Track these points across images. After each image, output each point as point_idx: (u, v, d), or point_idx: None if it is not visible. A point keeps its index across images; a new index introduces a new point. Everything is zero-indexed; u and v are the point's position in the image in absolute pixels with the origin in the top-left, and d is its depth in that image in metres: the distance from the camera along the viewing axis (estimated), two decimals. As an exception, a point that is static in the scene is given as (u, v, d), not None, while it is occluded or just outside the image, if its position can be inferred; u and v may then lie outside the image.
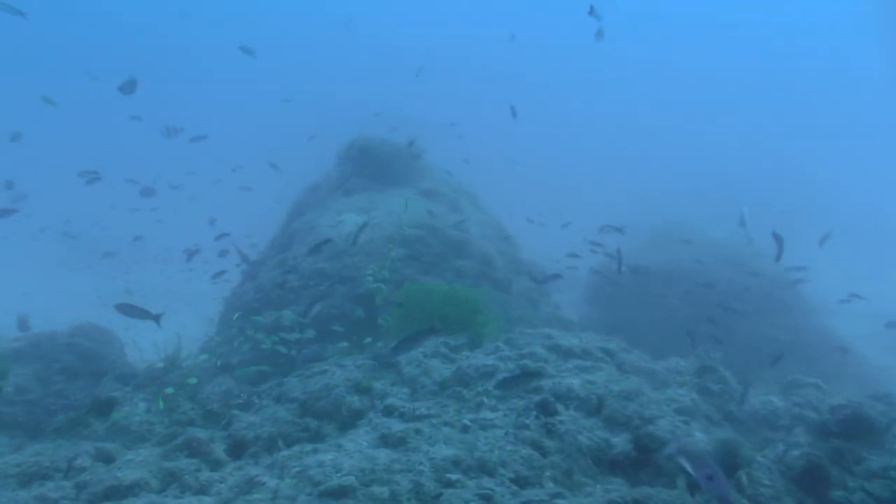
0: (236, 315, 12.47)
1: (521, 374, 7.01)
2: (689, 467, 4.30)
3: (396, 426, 6.12)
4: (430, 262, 13.17)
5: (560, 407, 6.44)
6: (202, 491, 5.45)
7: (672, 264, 19.22)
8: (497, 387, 6.66)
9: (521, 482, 5.27)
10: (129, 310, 7.57)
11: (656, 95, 60.48)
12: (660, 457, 5.91)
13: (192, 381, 8.15)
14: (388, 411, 6.62)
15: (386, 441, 5.91)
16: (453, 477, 5.21)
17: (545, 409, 6.24)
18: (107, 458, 6.30)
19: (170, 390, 8.51)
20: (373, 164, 17.79)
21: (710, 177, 33.22)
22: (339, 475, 5.08)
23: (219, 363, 11.01)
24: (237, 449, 6.85)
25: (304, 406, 7.40)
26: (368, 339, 9.54)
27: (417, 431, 6.00)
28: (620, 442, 6.11)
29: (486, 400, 6.63)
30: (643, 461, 5.99)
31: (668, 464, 5.85)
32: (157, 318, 7.79)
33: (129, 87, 13.90)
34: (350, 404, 7.12)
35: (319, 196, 18.06)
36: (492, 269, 13.75)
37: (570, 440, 5.90)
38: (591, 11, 12.89)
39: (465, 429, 6.00)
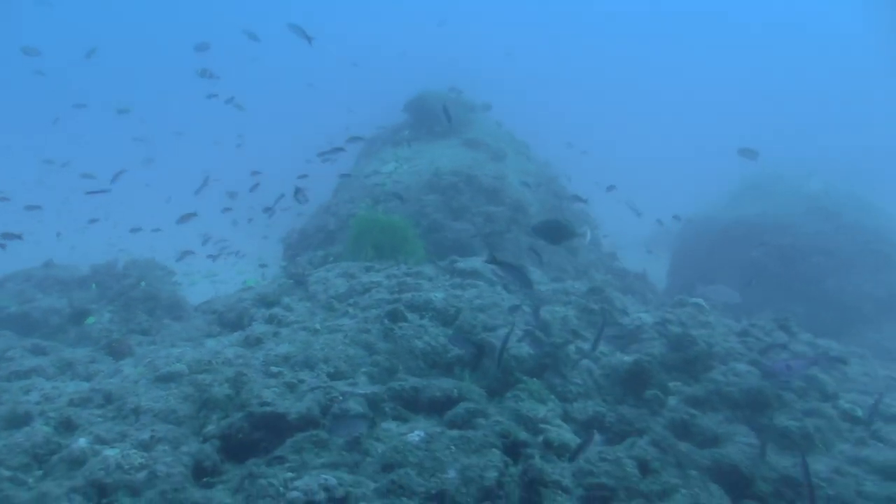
0: None
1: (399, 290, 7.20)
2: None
3: (261, 329, 6.49)
4: (459, 208, 13.10)
5: (414, 316, 6.59)
6: (87, 378, 6.05)
7: (756, 217, 17.43)
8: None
9: (335, 376, 5.54)
10: None
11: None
12: (487, 360, 6.02)
13: (142, 284, 8.83)
14: (270, 319, 6.99)
15: (246, 341, 6.30)
16: (276, 370, 5.54)
17: (394, 316, 6.42)
18: (39, 352, 7.01)
19: (142, 284, 9.31)
20: (427, 118, 17.52)
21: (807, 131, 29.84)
22: (177, 364, 5.51)
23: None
24: (158, 350, 7.46)
25: (221, 317, 7.90)
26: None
27: (275, 334, 6.35)
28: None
29: (350, 310, 6.88)
30: (475, 364, 6.11)
31: (490, 365, 5.96)
32: None
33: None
34: (253, 315, 7.54)
35: (375, 147, 18.36)
36: (524, 215, 13.48)
37: (405, 344, 6.07)
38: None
39: (315, 332, 6.29)
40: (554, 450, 4.89)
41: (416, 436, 4.34)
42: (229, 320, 7.67)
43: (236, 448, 4.62)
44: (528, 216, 13.53)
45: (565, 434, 5.13)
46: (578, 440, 5.20)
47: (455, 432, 4.49)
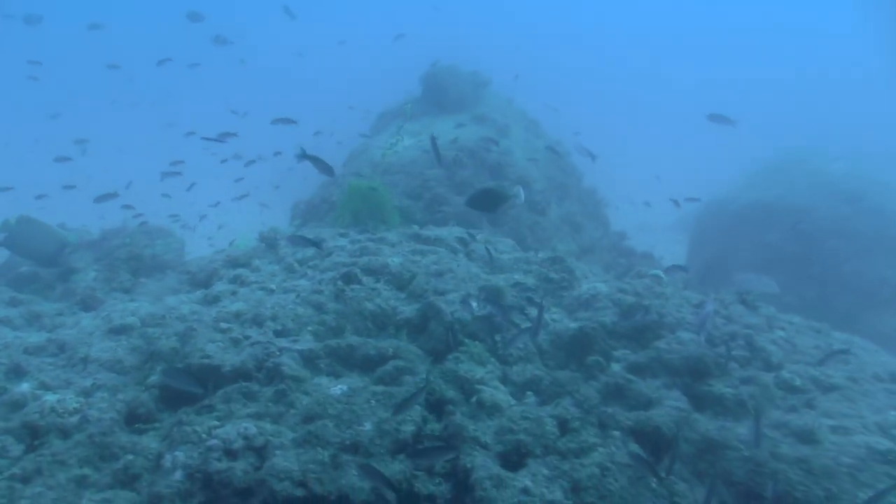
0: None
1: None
2: None
3: (221, 288, 6.57)
4: (462, 182, 12.90)
5: (370, 279, 6.63)
6: (52, 329, 6.18)
7: (775, 200, 16.98)
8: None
9: (281, 333, 5.60)
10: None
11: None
12: (433, 323, 6.05)
13: (127, 241, 9.01)
14: (234, 279, 7.07)
15: (205, 298, 6.40)
16: (225, 326, 5.62)
17: (348, 278, 6.45)
18: (16, 304, 7.17)
19: (126, 240, 9.50)
20: (437, 92, 17.41)
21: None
22: (130, 317, 5.62)
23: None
24: (131, 307, 7.60)
25: (193, 277, 8.00)
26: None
27: (233, 293, 6.43)
28: (409, 310, 6.26)
29: (309, 271, 6.93)
30: (422, 327, 6.14)
31: (436, 328, 6.00)
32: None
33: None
34: (222, 276, 7.62)
35: (386, 121, 18.24)
36: (527, 191, 13.19)
37: (355, 305, 6.12)
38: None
39: (270, 292, 6.36)
40: (485, 409, 4.94)
41: (338, 389, 4.41)
42: (200, 280, 7.76)
43: (174, 398, 4.73)
44: (533, 192, 13.39)
45: (499, 395, 5.17)
46: (512, 401, 5.26)
47: (379, 388, 4.55)
